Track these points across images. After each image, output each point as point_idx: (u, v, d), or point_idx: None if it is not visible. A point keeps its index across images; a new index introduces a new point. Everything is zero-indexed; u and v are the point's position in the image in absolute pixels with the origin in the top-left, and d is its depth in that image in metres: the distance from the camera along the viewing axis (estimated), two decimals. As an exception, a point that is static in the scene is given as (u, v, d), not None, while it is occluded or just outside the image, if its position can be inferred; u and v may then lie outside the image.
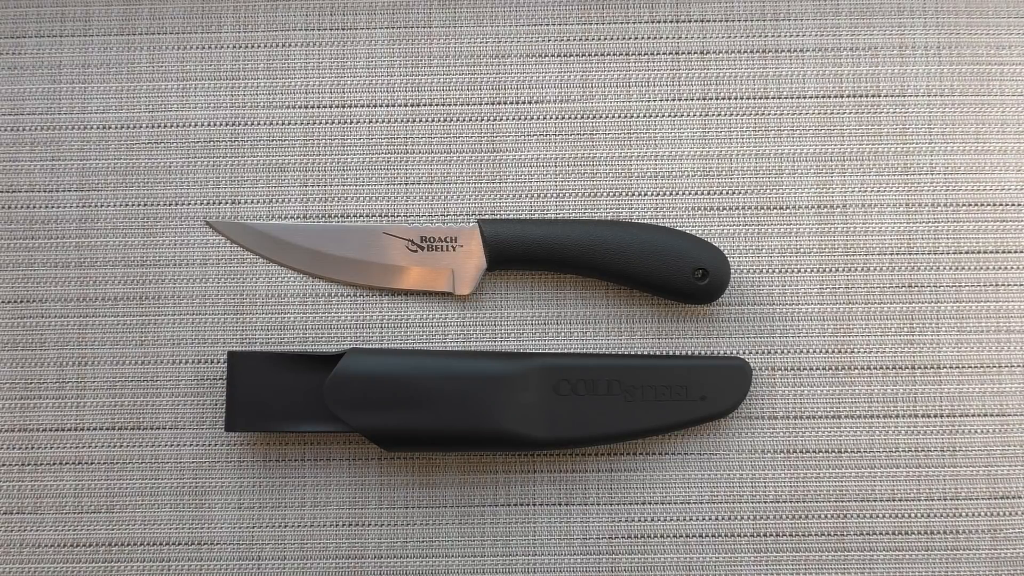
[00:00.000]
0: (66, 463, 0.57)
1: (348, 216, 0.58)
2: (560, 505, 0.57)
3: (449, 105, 0.59)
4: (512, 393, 0.54)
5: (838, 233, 0.58)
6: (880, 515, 0.56)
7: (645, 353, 0.57)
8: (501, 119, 0.59)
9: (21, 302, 0.58)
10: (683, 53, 0.59)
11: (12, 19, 0.59)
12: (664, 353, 0.57)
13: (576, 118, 0.59)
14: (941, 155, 0.58)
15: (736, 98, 0.59)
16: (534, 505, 0.57)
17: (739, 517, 0.57)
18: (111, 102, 0.59)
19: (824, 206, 0.58)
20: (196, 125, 0.59)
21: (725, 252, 0.57)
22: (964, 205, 0.58)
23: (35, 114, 0.59)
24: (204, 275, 0.58)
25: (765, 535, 0.56)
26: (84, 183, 0.58)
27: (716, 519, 0.57)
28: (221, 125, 0.59)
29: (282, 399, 0.55)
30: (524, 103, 0.59)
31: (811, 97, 0.59)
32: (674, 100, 0.59)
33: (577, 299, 0.58)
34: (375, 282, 0.58)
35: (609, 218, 0.58)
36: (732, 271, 0.57)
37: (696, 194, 0.58)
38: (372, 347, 0.57)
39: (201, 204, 0.58)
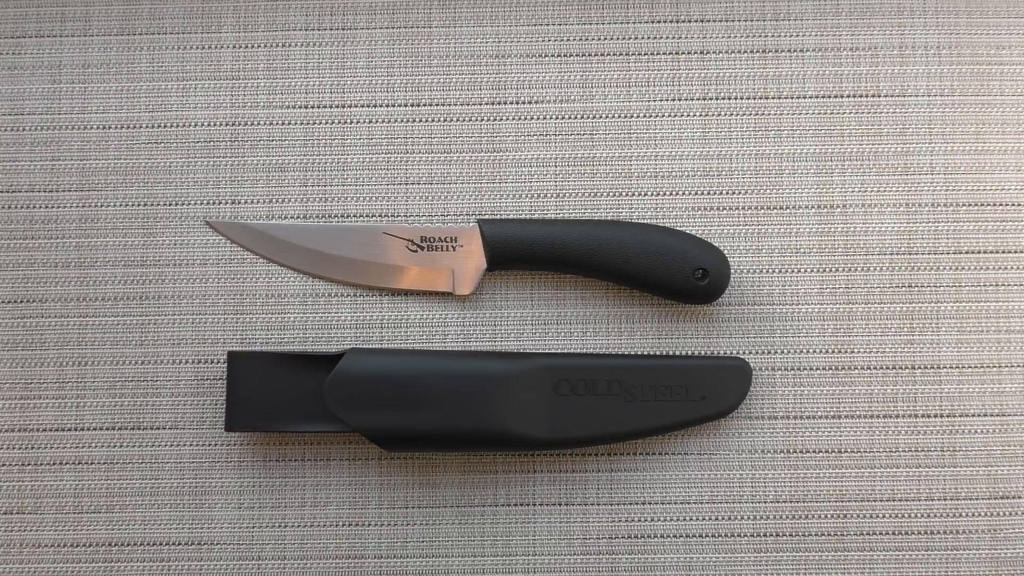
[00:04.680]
0: (66, 463, 0.57)
1: (348, 216, 0.58)
2: (560, 505, 0.57)
3: (449, 105, 0.59)
4: (512, 393, 0.54)
5: (838, 233, 0.58)
6: (880, 515, 0.56)
7: (645, 353, 0.57)
8: (501, 119, 0.59)
9: (21, 302, 0.58)
10: (683, 53, 0.59)
11: (12, 19, 0.59)
12: (664, 353, 0.57)
13: (576, 118, 0.59)
14: (941, 155, 0.58)
15: (736, 98, 0.59)
16: (534, 505, 0.57)
17: (739, 517, 0.57)
18: (111, 102, 0.59)
19: (824, 206, 0.58)
20: (196, 125, 0.59)
21: (725, 252, 0.57)
22: (964, 205, 0.58)
23: (35, 114, 0.59)
24: (204, 275, 0.58)
25: (765, 535, 0.56)
26: (84, 183, 0.58)
27: (716, 519, 0.57)
28: (221, 125, 0.59)
29: (282, 399, 0.55)
30: (524, 103, 0.59)
31: (811, 97, 0.59)
32: (674, 100, 0.59)
33: (577, 299, 0.58)
34: (375, 282, 0.58)
35: (609, 218, 0.58)
36: (732, 271, 0.57)
37: (696, 194, 0.58)
38: (372, 347, 0.57)
39: (201, 204, 0.58)
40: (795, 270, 0.58)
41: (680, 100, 0.59)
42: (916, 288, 0.58)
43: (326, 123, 0.59)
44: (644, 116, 0.59)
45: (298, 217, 0.58)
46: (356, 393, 0.54)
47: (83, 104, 0.59)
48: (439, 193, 0.58)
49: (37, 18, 0.59)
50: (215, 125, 0.59)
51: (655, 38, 0.59)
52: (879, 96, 0.59)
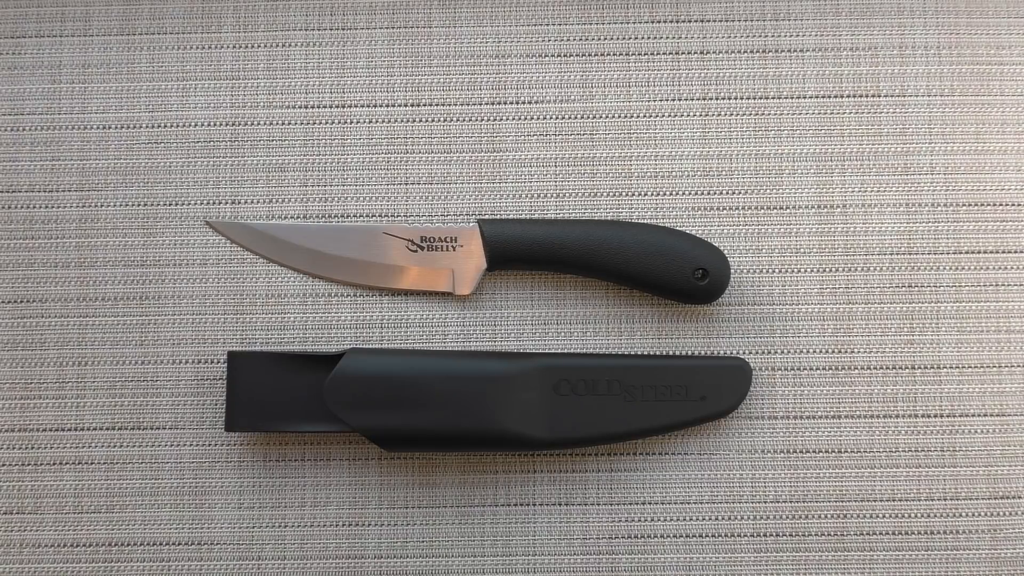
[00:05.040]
0: (66, 463, 0.57)
1: (348, 216, 0.58)
2: (560, 505, 0.57)
3: (449, 105, 0.59)
4: (512, 393, 0.54)
5: (838, 233, 0.58)
6: (880, 515, 0.56)
7: (645, 353, 0.57)
8: (501, 119, 0.59)
9: (21, 302, 0.58)
10: (683, 53, 0.59)
11: (12, 19, 0.59)
12: (664, 353, 0.57)
13: (576, 118, 0.59)
14: (941, 155, 0.58)
15: (736, 98, 0.59)
16: (534, 505, 0.57)
17: (739, 517, 0.57)
18: (111, 102, 0.59)
19: (824, 206, 0.58)
20: (196, 125, 0.59)
21: (725, 252, 0.57)
22: (964, 205, 0.58)
23: (35, 114, 0.59)
24: (204, 275, 0.58)
25: (765, 535, 0.56)
26: (84, 183, 0.58)
27: (716, 519, 0.57)
28: (221, 125, 0.59)
29: (282, 399, 0.55)
30: (524, 103, 0.59)
31: (811, 97, 0.59)
32: (674, 100, 0.59)
33: (577, 299, 0.58)
34: (375, 282, 0.58)
35: (609, 218, 0.58)
36: (732, 271, 0.57)
37: (696, 194, 0.58)
38: (372, 347, 0.57)
39: (201, 204, 0.58)
40: (795, 270, 0.58)
41: (680, 100, 0.59)
42: (916, 288, 0.58)
43: (326, 123, 0.59)
44: (644, 116, 0.59)
45: (298, 217, 0.58)
46: (356, 393, 0.54)
47: (83, 104, 0.59)
48: (439, 193, 0.58)
49: (37, 18, 0.59)
50: (215, 125, 0.59)
51: (655, 38, 0.59)
52: (879, 96, 0.59)
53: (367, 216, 0.58)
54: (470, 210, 0.58)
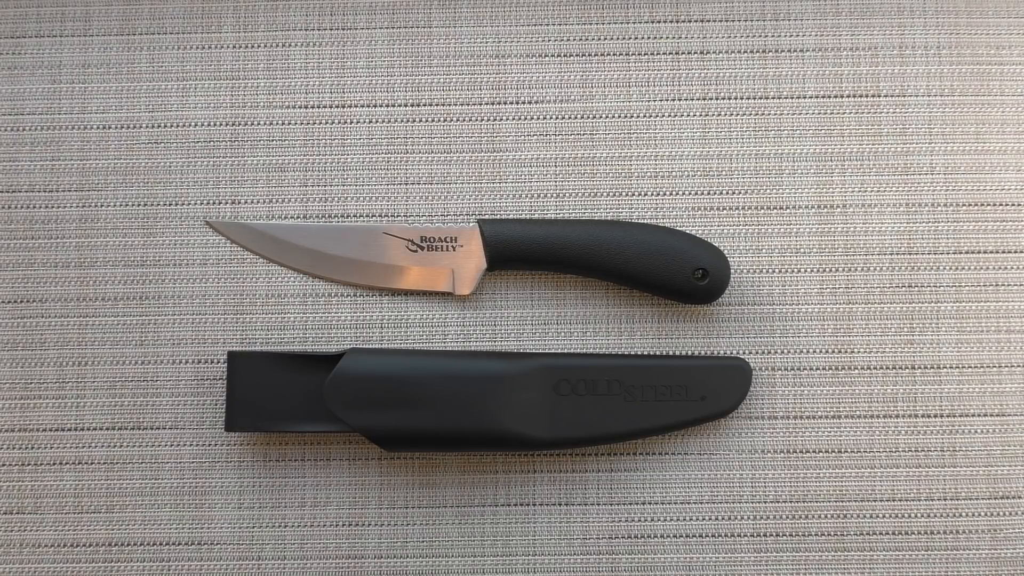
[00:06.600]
0: (66, 463, 0.57)
1: (348, 216, 0.58)
2: (560, 505, 0.57)
3: (449, 105, 0.59)
4: (512, 393, 0.54)
5: (838, 233, 0.58)
6: (880, 515, 0.56)
7: (645, 353, 0.57)
8: (501, 119, 0.59)
9: (21, 302, 0.58)
10: (683, 53, 0.59)
11: (12, 19, 0.59)
12: (664, 353, 0.57)
13: (576, 118, 0.59)
14: (941, 155, 0.58)
15: (736, 98, 0.59)
16: (534, 505, 0.57)
17: (739, 517, 0.57)
18: (111, 102, 0.59)
19: (824, 206, 0.58)
20: (196, 125, 0.59)
21: (725, 252, 0.57)
22: (964, 205, 0.58)
23: (35, 114, 0.59)
24: (204, 275, 0.58)
25: (765, 535, 0.56)
26: (84, 183, 0.58)
27: (716, 519, 0.57)
28: (221, 125, 0.59)
29: (282, 399, 0.55)
30: (524, 103, 0.59)
31: (811, 97, 0.59)
32: (674, 100, 0.59)
33: (577, 299, 0.58)
34: (375, 282, 0.58)
35: (609, 218, 0.58)
36: (732, 271, 0.57)
37: (696, 194, 0.58)
38: (372, 347, 0.57)
39: (201, 204, 0.58)
40: (795, 270, 0.58)
41: (680, 100, 0.59)
42: (916, 288, 0.58)
43: (326, 123, 0.59)
44: (644, 116, 0.59)
45: (298, 217, 0.58)
46: (356, 393, 0.54)
47: (83, 104, 0.59)
48: (439, 193, 0.58)
49: (37, 18, 0.59)
50: (215, 125, 0.59)
51: (655, 38, 0.59)
52: (879, 96, 0.59)
53: (367, 216, 0.58)
54: (470, 210, 0.58)
